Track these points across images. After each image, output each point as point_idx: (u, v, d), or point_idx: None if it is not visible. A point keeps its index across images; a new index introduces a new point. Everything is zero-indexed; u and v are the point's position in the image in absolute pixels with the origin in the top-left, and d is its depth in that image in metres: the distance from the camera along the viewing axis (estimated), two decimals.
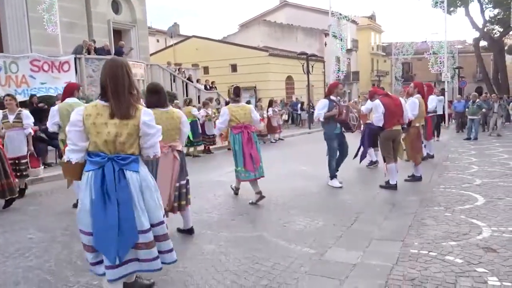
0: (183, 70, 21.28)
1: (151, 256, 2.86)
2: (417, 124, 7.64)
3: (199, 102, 16.80)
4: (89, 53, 15.27)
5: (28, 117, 7.19)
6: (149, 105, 4.17)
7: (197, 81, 21.52)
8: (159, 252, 2.93)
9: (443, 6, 21.45)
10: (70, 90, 6.61)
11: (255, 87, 26.91)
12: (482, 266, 3.62)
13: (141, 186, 2.81)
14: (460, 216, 5.13)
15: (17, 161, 7.00)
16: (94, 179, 2.72)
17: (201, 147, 12.78)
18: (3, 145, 6.60)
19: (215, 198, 6.53)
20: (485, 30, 31.83)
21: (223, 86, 24.58)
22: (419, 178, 7.42)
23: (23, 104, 11.19)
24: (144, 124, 2.79)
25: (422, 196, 6.29)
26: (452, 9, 29.21)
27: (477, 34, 32.63)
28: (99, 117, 2.75)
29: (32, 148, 7.32)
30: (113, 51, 16.93)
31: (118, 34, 19.83)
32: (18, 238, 4.80)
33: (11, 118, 7.07)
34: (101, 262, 2.82)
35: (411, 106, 7.40)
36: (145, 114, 2.84)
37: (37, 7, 14.71)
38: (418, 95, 7.83)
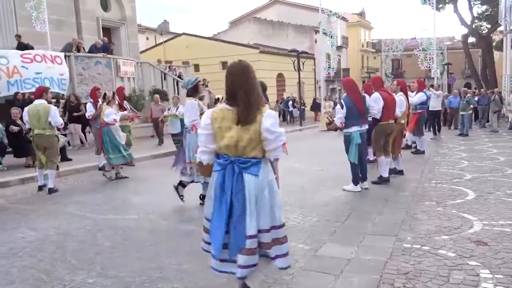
0: (174, 67, 21.17)
1: (248, 263, 2.80)
2: (402, 121, 7.79)
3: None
4: (78, 51, 15.12)
5: None
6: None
7: None
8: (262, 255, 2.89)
9: (432, 3, 21.63)
10: (39, 93, 7.38)
11: None
12: (474, 259, 3.67)
13: (257, 190, 2.77)
14: (452, 211, 5.20)
15: None
16: (216, 179, 2.85)
17: None
18: None
19: None
20: (474, 26, 32.11)
21: (214, 83, 24.55)
22: (401, 172, 7.64)
23: (12, 103, 11.13)
24: (266, 130, 2.72)
25: (414, 191, 6.35)
26: (440, 5, 29.40)
27: (465, 31, 32.95)
28: (224, 121, 2.79)
29: None
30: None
31: (107, 31, 19.67)
32: (10, 237, 4.75)
33: None
34: (209, 243, 2.97)
35: (398, 103, 7.50)
36: (267, 119, 2.74)
37: (25, 4, 14.54)
38: (401, 93, 7.93)
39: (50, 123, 7.04)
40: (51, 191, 7.08)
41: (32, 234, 4.86)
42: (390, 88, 8.16)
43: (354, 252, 3.95)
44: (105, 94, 8.54)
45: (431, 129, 14.20)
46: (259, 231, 2.81)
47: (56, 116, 7.11)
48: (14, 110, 9.94)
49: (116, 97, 8.81)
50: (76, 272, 3.68)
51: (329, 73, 26.06)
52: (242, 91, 2.75)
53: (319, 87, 31.15)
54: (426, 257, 3.77)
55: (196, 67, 27.87)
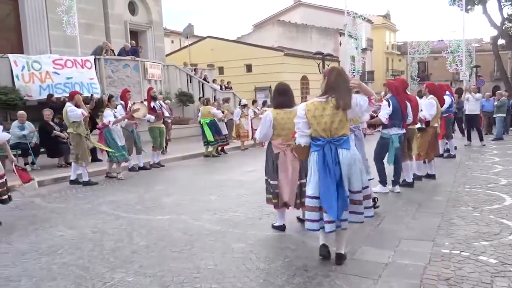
0: (200, 70, 21.35)
1: (345, 217, 3.62)
2: (436, 125, 7.61)
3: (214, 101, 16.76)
4: (107, 54, 15.40)
5: None
6: (277, 105, 4.60)
7: (213, 81, 21.59)
8: (351, 212, 3.66)
9: (461, 4, 21.17)
10: (70, 97, 8.20)
11: (270, 87, 26.85)
12: None
13: (349, 161, 3.60)
14: (489, 216, 5.07)
15: None
16: (317, 158, 3.62)
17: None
18: None
19: (239, 197, 6.55)
20: (503, 28, 31.24)
21: (238, 86, 24.68)
22: (433, 176, 7.50)
23: (44, 105, 11.42)
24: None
25: (448, 196, 6.22)
26: (469, 7, 28.72)
27: (494, 32, 32.06)
28: (317, 111, 3.62)
29: (12, 157, 5.91)
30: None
31: (134, 35, 20.01)
32: (49, 235, 4.87)
33: None
34: (317, 220, 3.66)
35: (427, 107, 7.33)
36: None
37: (56, 9, 14.92)
38: (432, 95, 7.75)
39: (73, 123, 7.89)
40: (71, 182, 8.09)
41: (69, 232, 4.97)
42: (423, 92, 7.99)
43: (391, 257, 3.89)
44: (101, 98, 9.04)
45: (466, 134, 13.28)
46: (351, 191, 3.65)
47: (71, 112, 7.82)
48: (47, 112, 10.22)
49: (114, 101, 9.18)
50: (115, 270, 3.75)
51: (354, 75, 25.82)
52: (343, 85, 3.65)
53: None
54: (467, 263, 3.68)
55: (221, 70, 28.02)
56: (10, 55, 12.76)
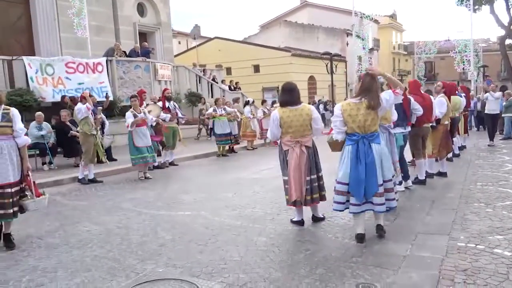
0: (208, 71, 21.54)
1: (381, 202, 4.21)
2: (446, 122, 7.74)
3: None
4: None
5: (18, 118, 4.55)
6: (281, 104, 4.82)
7: (222, 81, 21.78)
8: (386, 199, 4.26)
9: (469, 4, 21.23)
10: (80, 98, 8.58)
11: (277, 87, 27.00)
12: None
13: (380, 154, 4.23)
14: (502, 212, 5.20)
15: None
16: (352, 150, 4.22)
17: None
18: None
19: (255, 194, 6.72)
20: (511, 28, 31.19)
21: (246, 86, 24.85)
22: (444, 174, 7.61)
23: (58, 105, 11.66)
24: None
25: (460, 193, 6.34)
26: (476, 7, 28.72)
27: (502, 32, 32.01)
28: (352, 110, 4.19)
29: (28, 164, 4.70)
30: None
31: (143, 36, 20.22)
32: (77, 230, 5.07)
33: None
34: (343, 203, 4.32)
35: (438, 105, 7.47)
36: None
37: (67, 11, 15.13)
38: (443, 94, 7.88)
39: (81, 121, 8.13)
40: (80, 181, 8.29)
41: (95, 227, 5.16)
42: (435, 90, 8.13)
43: (409, 249, 4.04)
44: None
45: (487, 134, 13.08)
46: (384, 181, 4.26)
47: (78, 109, 8.11)
48: (64, 113, 10.44)
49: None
50: (145, 261, 3.93)
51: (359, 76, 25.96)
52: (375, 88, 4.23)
53: (351, 89, 30.99)
54: (482, 255, 3.83)
55: (228, 71, 28.22)
56: (24, 58, 12.99)
